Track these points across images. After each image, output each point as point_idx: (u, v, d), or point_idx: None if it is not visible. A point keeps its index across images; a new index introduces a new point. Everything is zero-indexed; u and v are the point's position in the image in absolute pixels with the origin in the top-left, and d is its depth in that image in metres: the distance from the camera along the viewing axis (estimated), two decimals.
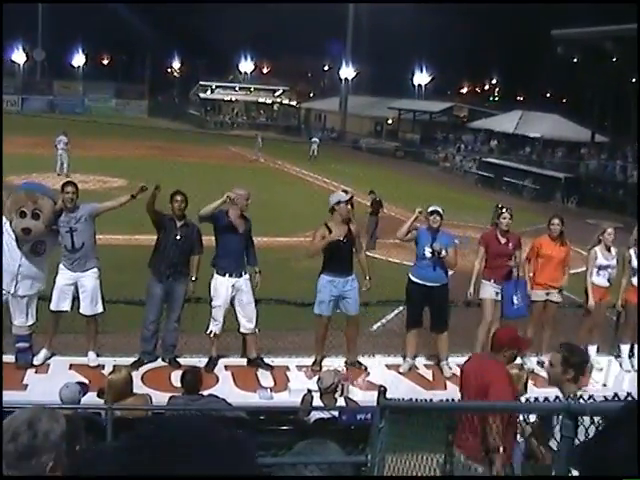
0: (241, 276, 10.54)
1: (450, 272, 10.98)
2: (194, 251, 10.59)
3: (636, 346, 11.41)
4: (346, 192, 11.11)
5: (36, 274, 10.11)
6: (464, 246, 13.19)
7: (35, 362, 10.26)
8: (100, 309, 10.43)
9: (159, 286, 10.44)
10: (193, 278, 10.57)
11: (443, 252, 10.49)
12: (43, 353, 10.38)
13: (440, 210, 10.79)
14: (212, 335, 10.64)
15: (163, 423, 1.60)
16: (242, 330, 10.73)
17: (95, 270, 10.39)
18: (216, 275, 10.57)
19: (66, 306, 10.32)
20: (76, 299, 10.37)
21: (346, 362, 10.87)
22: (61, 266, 10.32)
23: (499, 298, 11.06)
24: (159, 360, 10.64)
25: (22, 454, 2.74)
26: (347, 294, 10.64)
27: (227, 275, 10.49)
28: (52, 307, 10.26)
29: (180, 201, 10.45)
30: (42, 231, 9.90)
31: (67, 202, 10.09)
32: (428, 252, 10.61)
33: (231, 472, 1.44)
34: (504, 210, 11.16)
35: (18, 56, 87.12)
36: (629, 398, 2.83)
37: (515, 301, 10.91)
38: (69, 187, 10.26)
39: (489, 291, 11.08)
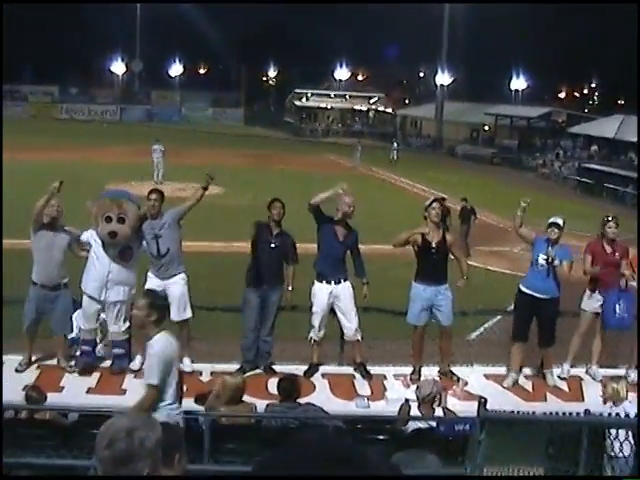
0: (340, 283, 10.51)
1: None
2: (288, 261, 10.61)
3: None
4: (443, 199, 10.97)
5: (126, 280, 10.30)
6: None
7: (132, 367, 10.42)
8: (188, 315, 10.56)
9: (255, 294, 10.49)
10: (289, 288, 10.59)
11: (556, 261, 10.26)
12: (139, 359, 10.53)
13: (559, 222, 10.55)
14: (311, 342, 10.65)
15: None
16: (346, 337, 10.71)
17: (182, 276, 10.53)
18: (315, 281, 10.59)
19: None
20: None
21: (439, 372, 10.74)
22: (149, 274, 10.49)
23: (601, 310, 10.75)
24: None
25: (118, 460, 2.76)
26: (439, 303, 10.51)
27: (325, 282, 10.48)
28: None
29: (279, 208, 10.49)
30: (128, 235, 10.08)
31: (151, 209, 10.25)
32: (542, 259, 10.40)
33: None
34: (610, 219, 10.83)
35: (117, 67, 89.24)
36: None
37: (617, 311, 10.54)
38: (153, 194, 10.43)
39: (591, 303, 10.76)
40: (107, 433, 2.83)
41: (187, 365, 10.48)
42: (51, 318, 10.44)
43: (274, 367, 10.59)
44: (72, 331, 10.65)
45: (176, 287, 10.45)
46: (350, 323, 10.56)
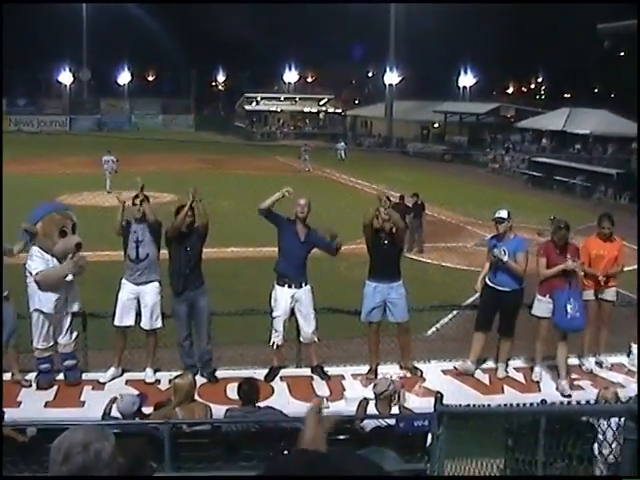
0: (301, 287, 10.53)
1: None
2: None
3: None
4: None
5: (74, 290, 10.23)
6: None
7: (102, 380, 10.35)
8: (159, 324, 10.49)
9: (182, 302, 10.49)
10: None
11: (504, 258, 10.36)
12: (111, 371, 10.46)
13: (503, 215, 10.60)
14: (274, 346, 10.65)
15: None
16: (303, 340, 10.73)
17: (156, 284, 10.46)
18: (276, 285, 10.58)
19: (130, 321, 10.39)
20: (138, 314, 10.44)
21: (401, 367, 10.78)
22: (123, 281, 10.41)
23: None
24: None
25: (76, 475, 2.74)
26: (393, 300, 10.56)
27: (286, 285, 10.49)
28: (116, 322, 10.35)
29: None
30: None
31: (136, 213, 10.20)
32: (492, 257, 10.52)
33: None
34: (562, 226, 10.76)
35: (65, 77, 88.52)
36: None
37: (569, 311, 10.44)
38: (139, 198, 10.37)
39: (544, 308, 10.61)
40: (61, 448, 2.80)
41: (149, 375, 10.43)
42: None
43: (226, 372, 10.55)
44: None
45: (150, 295, 10.38)
46: (309, 326, 10.58)
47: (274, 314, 10.56)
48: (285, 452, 6.01)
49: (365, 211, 10.69)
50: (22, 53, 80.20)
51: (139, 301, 10.39)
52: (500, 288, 10.57)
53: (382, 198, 10.55)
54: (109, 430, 3.08)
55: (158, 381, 10.37)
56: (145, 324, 10.38)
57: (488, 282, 10.74)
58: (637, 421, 6.38)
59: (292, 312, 10.58)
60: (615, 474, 5.86)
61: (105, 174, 33.75)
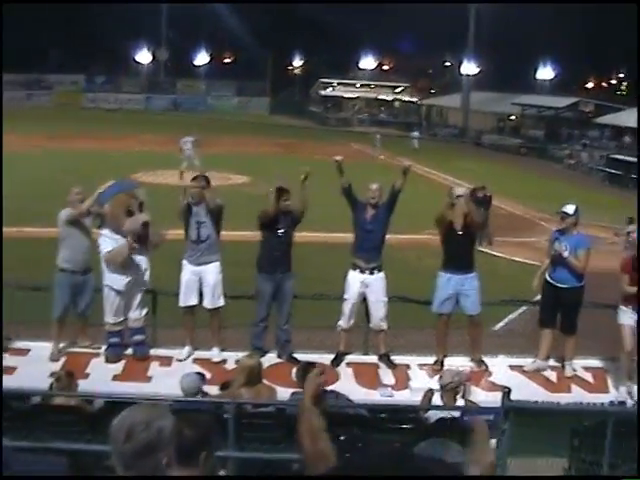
0: (373, 273, 10.50)
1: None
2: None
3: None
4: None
5: (144, 267, 10.43)
6: (596, 246, 12.72)
7: (178, 357, 10.52)
8: (221, 303, 10.61)
9: (268, 281, 10.51)
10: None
11: (565, 253, 10.21)
12: (186, 349, 10.60)
13: (569, 210, 10.44)
14: (340, 330, 10.66)
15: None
16: (372, 326, 10.71)
17: (217, 264, 10.56)
18: (350, 270, 10.61)
19: (193, 300, 10.52)
20: (201, 294, 10.55)
21: (471, 360, 10.72)
22: (184, 262, 10.52)
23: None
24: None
25: (140, 452, 2.76)
26: (466, 292, 10.49)
27: (359, 270, 10.49)
28: (180, 303, 10.48)
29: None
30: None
31: (195, 195, 10.28)
32: (553, 252, 10.39)
33: None
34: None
35: (142, 56, 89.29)
36: None
37: None
38: (196, 181, 10.46)
39: (627, 317, 10.11)
40: (123, 426, 2.82)
41: (216, 355, 10.53)
42: (80, 302, 10.54)
43: (296, 356, 10.56)
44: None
45: (211, 275, 10.49)
46: (378, 313, 10.56)
47: (344, 297, 10.59)
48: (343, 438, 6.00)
49: (441, 203, 10.64)
50: (101, 32, 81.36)
51: (201, 281, 10.47)
52: (559, 285, 10.45)
53: (457, 192, 10.46)
54: (168, 409, 3.11)
55: (224, 361, 10.47)
56: (207, 303, 10.49)
57: (547, 278, 10.63)
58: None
59: (364, 298, 10.58)
60: None
61: (184, 155, 33.58)
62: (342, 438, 5.80)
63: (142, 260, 10.33)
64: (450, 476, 1.63)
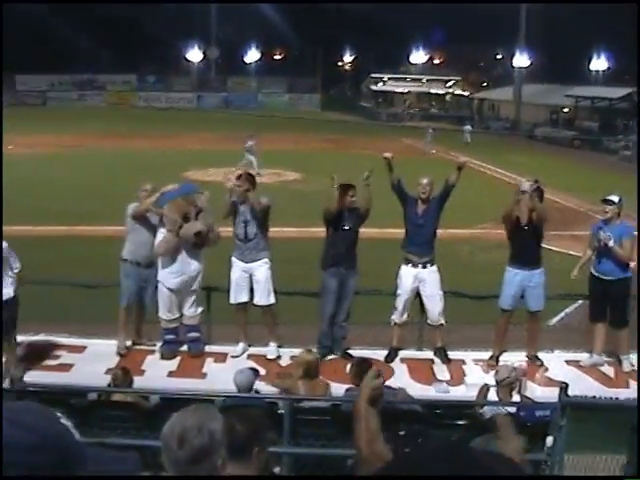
0: (426, 267, 10.46)
1: (632, 265, 10.45)
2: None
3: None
4: (536, 181, 10.65)
5: (199, 266, 10.44)
6: None
7: (233, 354, 10.56)
8: (272, 300, 10.54)
9: (333, 278, 10.49)
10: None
11: (610, 242, 10.04)
12: (241, 346, 10.65)
13: (613, 199, 10.29)
14: (393, 325, 10.63)
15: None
16: (429, 321, 10.67)
17: (266, 260, 10.50)
18: (402, 264, 10.57)
19: (244, 297, 10.51)
20: (252, 290, 10.57)
21: (526, 355, 10.61)
22: (233, 259, 10.51)
23: None
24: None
25: (195, 458, 2.73)
26: (532, 288, 10.37)
27: (411, 265, 10.45)
28: (231, 300, 10.50)
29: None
30: (207, 228, 10.19)
31: (238, 194, 10.28)
32: (596, 242, 10.24)
33: None
34: None
35: (193, 55, 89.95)
36: None
37: None
38: (239, 180, 10.44)
39: None
40: (174, 433, 2.77)
41: (272, 350, 10.54)
42: (144, 295, 10.65)
43: (350, 352, 10.54)
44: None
45: (261, 271, 10.46)
46: (434, 308, 10.51)
47: (397, 292, 10.55)
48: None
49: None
50: (152, 31, 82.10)
51: (251, 278, 10.49)
52: (605, 277, 10.27)
53: (524, 187, 10.30)
54: (216, 409, 3.09)
55: (279, 357, 10.49)
56: (258, 301, 10.47)
57: (593, 271, 10.47)
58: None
59: (418, 293, 10.53)
60: None
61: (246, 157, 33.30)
62: (401, 434, 5.76)
63: (196, 259, 10.37)
64: (508, 469, 1.60)
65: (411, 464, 1.57)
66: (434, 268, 10.52)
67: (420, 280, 10.45)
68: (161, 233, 10.14)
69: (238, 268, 10.46)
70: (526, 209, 10.15)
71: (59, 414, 1.50)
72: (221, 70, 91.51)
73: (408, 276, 10.47)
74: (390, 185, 10.50)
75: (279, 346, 10.61)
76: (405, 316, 10.64)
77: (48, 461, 1.40)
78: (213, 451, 2.77)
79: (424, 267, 10.44)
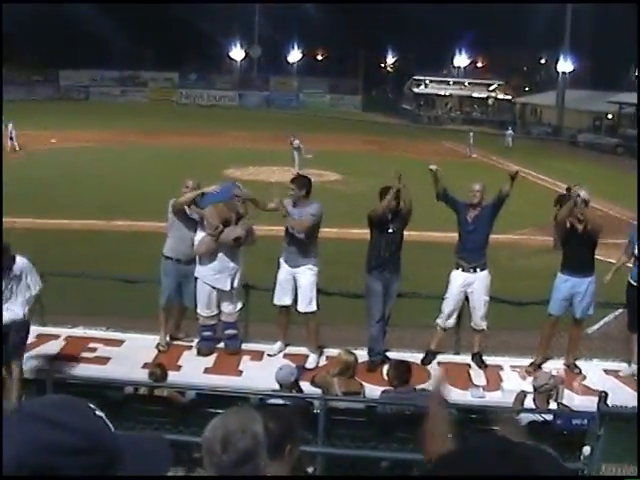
0: (476, 271, 10.41)
1: None
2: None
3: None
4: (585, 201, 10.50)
5: (238, 264, 10.43)
6: None
7: (269, 353, 10.53)
8: (313, 308, 10.37)
9: (378, 281, 10.40)
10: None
11: None
12: (278, 345, 10.63)
13: None
14: (437, 328, 10.57)
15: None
16: (472, 325, 10.60)
17: (311, 266, 10.32)
18: (453, 269, 10.52)
19: (287, 300, 10.39)
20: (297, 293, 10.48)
21: (565, 363, 10.51)
22: (281, 260, 10.41)
23: None
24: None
25: (240, 461, 2.73)
26: (581, 295, 10.25)
27: (461, 269, 10.41)
28: (275, 301, 10.42)
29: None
30: (246, 233, 10.20)
31: (293, 197, 10.19)
32: (636, 251, 10.13)
33: None
34: None
35: (236, 53, 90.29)
36: None
37: None
38: (295, 182, 10.33)
39: None
40: (216, 437, 2.75)
41: (311, 361, 10.34)
42: (184, 292, 10.65)
43: (388, 354, 10.47)
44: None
45: (305, 277, 10.31)
46: (478, 313, 10.45)
47: (445, 296, 10.50)
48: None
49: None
50: (195, 29, 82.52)
51: (296, 283, 10.38)
52: None
53: (577, 199, 10.18)
54: (254, 411, 3.07)
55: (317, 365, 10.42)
56: (300, 307, 10.36)
57: (630, 280, 10.34)
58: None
59: (465, 297, 10.47)
60: None
61: (294, 155, 33.38)
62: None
63: (235, 257, 10.37)
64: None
65: (463, 461, 1.55)
66: (484, 273, 10.43)
67: (469, 284, 10.38)
68: (201, 233, 10.15)
69: (284, 270, 10.36)
70: (582, 216, 10.05)
71: (92, 406, 1.49)
72: (263, 69, 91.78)
73: (457, 281, 10.41)
74: (435, 196, 10.41)
75: (320, 355, 10.47)
76: (451, 321, 10.57)
77: (96, 463, 1.39)
78: (257, 453, 2.76)
79: (474, 272, 10.36)
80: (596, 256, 10.47)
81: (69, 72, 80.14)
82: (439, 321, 10.55)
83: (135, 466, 1.48)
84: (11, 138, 36.70)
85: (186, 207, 10.23)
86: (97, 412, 1.48)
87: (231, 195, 10.36)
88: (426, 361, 10.40)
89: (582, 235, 10.08)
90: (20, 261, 8.75)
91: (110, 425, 1.48)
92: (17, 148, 36.70)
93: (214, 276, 10.29)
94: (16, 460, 1.34)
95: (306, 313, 10.42)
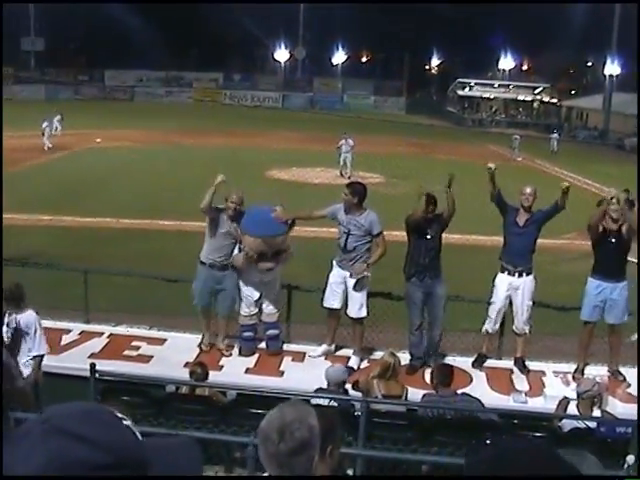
0: (521, 276, 10.33)
1: None
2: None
3: None
4: (627, 191, 10.39)
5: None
6: None
7: (312, 354, 10.53)
8: (363, 314, 10.33)
9: (418, 288, 10.32)
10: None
11: None
12: (323, 347, 10.62)
13: None
14: (485, 333, 10.51)
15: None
16: (515, 329, 10.52)
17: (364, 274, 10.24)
18: (499, 272, 10.44)
19: (336, 304, 10.34)
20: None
21: (608, 370, 10.39)
22: (334, 262, 10.35)
23: None
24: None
25: (296, 450, 2.75)
26: (614, 301, 10.14)
27: (507, 273, 10.33)
28: (324, 304, 10.39)
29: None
30: (281, 264, 10.32)
31: (345, 203, 10.12)
32: None
33: None
34: None
35: (280, 54, 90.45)
36: None
37: None
38: (346, 189, 10.29)
39: None
40: (273, 427, 2.78)
41: (354, 363, 10.32)
42: (220, 298, 10.63)
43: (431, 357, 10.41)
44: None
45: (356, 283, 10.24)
46: (521, 317, 10.36)
47: (491, 300, 10.43)
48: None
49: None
50: (239, 30, 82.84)
51: (347, 287, 10.28)
52: None
53: (613, 198, 10.07)
54: (309, 405, 3.10)
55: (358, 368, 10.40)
56: (350, 312, 10.31)
57: None
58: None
59: (510, 302, 10.40)
60: None
61: (341, 157, 33.33)
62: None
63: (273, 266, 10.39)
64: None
65: (499, 464, 1.55)
66: (530, 277, 10.33)
67: (514, 288, 10.29)
68: (239, 248, 10.24)
69: (336, 273, 10.31)
70: (615, 220, 9.93)
71: (119, 415, 1.49)
72: (307, 70, 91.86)
73: (503, 284, 10.32)
74: (490, 196, 10.33)
75: (362, 359, 10.44)
76: (497, 325, 10.49)
77: (120, 477, 1.39)
78: (312, 445, 2.79)
79: (520, 276, 10.27)
80: (635, 260, 10.35)
81: (114, 72, 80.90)
82: (487, 326, 10.47)
83: (163, 475, 1.48)
84: (46, 134, 37.02)
85: (227, 220, 10.25)
86: (124, 421, 1.48)
87: (276, 225, 10.30)
88: (476, 364, 10.35)
89: (615, 239, 9.96)
90: (30, 315, 8.44)
91: (138, 434, 1.48)
92: (47, 146, 36.88)
93: (253, 277, 10.32)
94: (38, 478, 1.34)
95: (355, 318, 10.38)
